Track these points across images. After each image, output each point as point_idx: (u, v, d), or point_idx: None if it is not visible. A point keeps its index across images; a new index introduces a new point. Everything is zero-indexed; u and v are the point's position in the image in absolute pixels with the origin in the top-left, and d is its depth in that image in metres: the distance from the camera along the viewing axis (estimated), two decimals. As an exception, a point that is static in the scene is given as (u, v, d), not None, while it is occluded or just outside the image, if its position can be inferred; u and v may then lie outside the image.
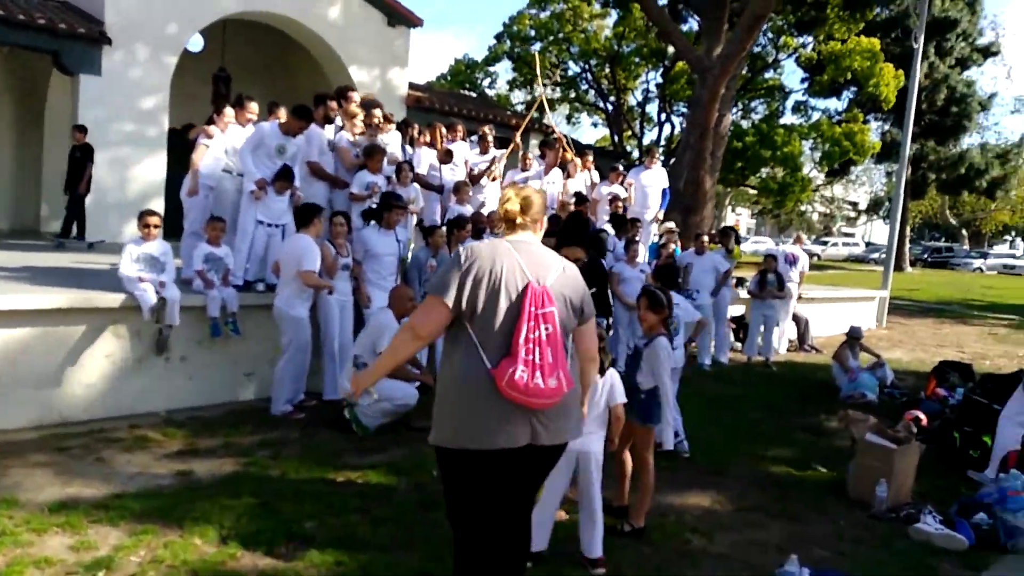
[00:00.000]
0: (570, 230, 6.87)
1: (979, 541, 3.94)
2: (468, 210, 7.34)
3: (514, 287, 2.38)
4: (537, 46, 25.22)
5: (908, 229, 34.31)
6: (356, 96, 6.95)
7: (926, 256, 38.34)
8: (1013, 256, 38.62)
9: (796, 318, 10.32)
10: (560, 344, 2.39)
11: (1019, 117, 61.88)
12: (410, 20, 13.59)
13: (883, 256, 30.92)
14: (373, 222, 6.09)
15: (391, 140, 7.10)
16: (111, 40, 10.03)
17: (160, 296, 5.00)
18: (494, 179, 8.11)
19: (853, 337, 8.16)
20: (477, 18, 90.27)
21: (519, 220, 2.55)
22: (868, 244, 45.39)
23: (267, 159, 5.92)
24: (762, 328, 8.99)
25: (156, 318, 5.02)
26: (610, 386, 3.40)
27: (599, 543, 3.38)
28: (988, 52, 29.06)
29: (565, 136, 10.37)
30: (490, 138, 8.31)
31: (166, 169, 10.50)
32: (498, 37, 25.55)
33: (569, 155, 9.40)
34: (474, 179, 7.91)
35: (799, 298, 10.36)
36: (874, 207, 43.05)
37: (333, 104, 6.83)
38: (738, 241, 9.63)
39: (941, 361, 7.95)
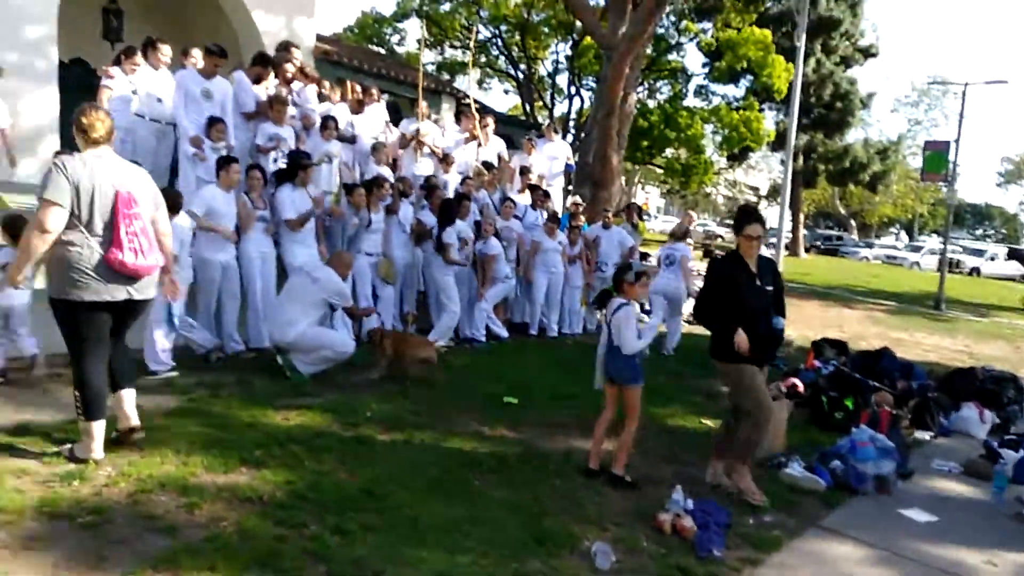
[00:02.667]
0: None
1: (835, 484, 4.92)
2: (386, 170, 7.86)
3: (108, 194, 3.53)
4: (446, 6, 25.48)
5: (803, 217, 37.37)
6: (298, 53, 7.33)
7: (819, 243, 41.83)
8: (895, 247, 42.81)
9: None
10: (148, 232, 3.66)
11: (897, 116, 67.70)
12: (316, -36, 13.62)
13: (784, 242, 33.68)
14: (288, 183, 6.49)
15: (310, 95, 7.50)
16: (-11, -36, 9.62)
17: None
18: (419, 145, 8.66)
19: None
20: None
21: (98, 136, 3.59)
22: (768, 229, 48.78)
23: (195, 106, 6.22)
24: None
25: None
26: None
27: None
28: (868, 53, 32.05)
29: (476, 101, 10.94)
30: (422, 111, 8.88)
31: (59, 104, 10.24)
32: (407, -9, 25.57)
33: (477, 122, 9.86)
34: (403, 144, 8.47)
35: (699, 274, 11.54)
36: (773, 193, 46.35)
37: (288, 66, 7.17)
38: (641, 217, 10.60)
39: (821, 338, 9.29)
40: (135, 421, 3.93)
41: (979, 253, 35.08)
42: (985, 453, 5.53)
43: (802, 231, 36.04)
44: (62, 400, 4.45)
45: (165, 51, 6.89)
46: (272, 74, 7.21)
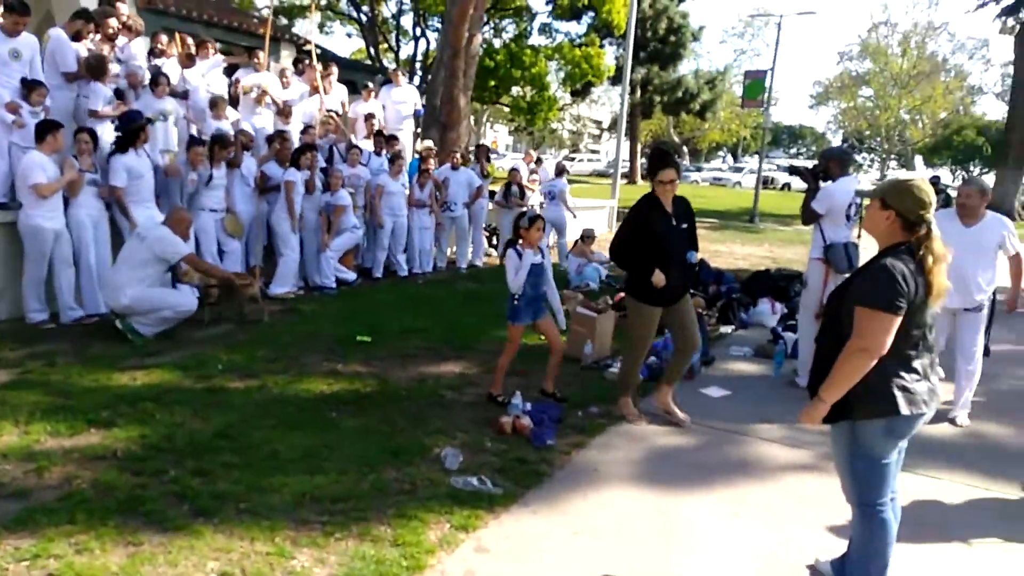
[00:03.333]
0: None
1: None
2: (227, 126, 7.58)
3: None
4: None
5: (639, 146, 39.12)
6: (123, 7, 6.80)
7: (655, 171, 44.13)
8: (720, 170, 46.01)
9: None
10: None
11: (726, 47, 71.92)
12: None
13: (624, 171, 35.32)
14: (127, 150, 6.17)
15: (137, 51, 7.04)
16: None
17: None
18: (259, 99, 8.37)
19: (587, 237, 10.00)
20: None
21: None
22: (609, 160, 50.72)
23: (3, 68, 5.71)
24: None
25: None
26: None
27: None
28: (699, -13, 33.70)
29: (317, 47, 10.63)
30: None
31: None
32: (235, -71, 23.68)
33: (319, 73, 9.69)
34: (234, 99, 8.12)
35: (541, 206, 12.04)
36: (614, 126, 48.05)
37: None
38: (488, 159, 10.88)
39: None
40: None
41: (791, 170, 38.50)
42: (771, 338, 6.41)
43: (640, 160, 37.83)
44: None
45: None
46: (93, 30, 6.66)
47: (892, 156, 52.29)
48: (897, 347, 2.45)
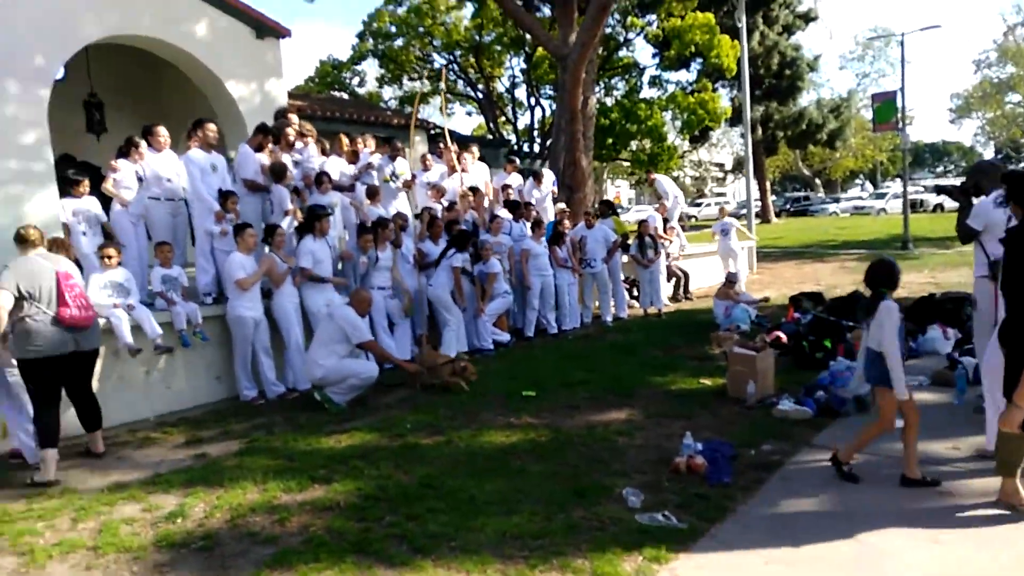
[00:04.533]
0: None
1: (820, 411, 5.55)
2: (383, 211, 8.46)
3: (47, 276, 4.79)
4: (400, 41, 26.16)
5: (768, 184, 38.19)
6: (294, 118, 7.94)
7: (788, 207, 42.69)
8: (860, 198, 43.77)
9: (677, 272, 12.17)
10: (82, 293, 4.98)
11: (846, 72, 69.28)
12: (278, 31, 14.22)
13: (756, 210, 34.42)
14: (309, 234, 7.08)
15: (312, 153, 8.13)
16: (-21, 80, 10.17)
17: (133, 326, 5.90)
18: (408, 185, 9.29)
19: (729, 282, 10.07)
20: (329, 14, 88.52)
21: (35, 240, 4.91)
22: (739, 202, 49.68)
23: (206, 179, 6.85)
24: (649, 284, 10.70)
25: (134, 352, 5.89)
26: None
27: None
28: (808, 18, 33.09)
29: (451, 132, 11.59)
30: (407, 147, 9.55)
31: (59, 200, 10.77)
32: (360, 36, 26.25)
33: (455, 155, 10.50)
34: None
35: (677, 255, 12.23)
36: (738, 166, 47.26)
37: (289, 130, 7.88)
38: (615, 213, 11.26)
39: (798, 293, 9.92)
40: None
41: (941, 190, 36.03)
42: (948, 364, 6.16)
43: (770, 197, 36.88)
44: (140, 462, 5.05)
45: (163, 134, 7.46)
46: (271, 141, 7.77)
47: (1057, 161, 47.72)
48: None
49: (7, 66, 10.64)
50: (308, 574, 3.38)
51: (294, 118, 8.28)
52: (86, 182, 7.09)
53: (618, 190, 50.82)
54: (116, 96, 12.71)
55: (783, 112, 32.74)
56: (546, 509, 3.96)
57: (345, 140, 8.93)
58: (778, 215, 37.69)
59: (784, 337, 7.92)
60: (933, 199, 34.09)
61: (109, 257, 6.06)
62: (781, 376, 6.38)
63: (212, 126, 7.22)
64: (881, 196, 38.99)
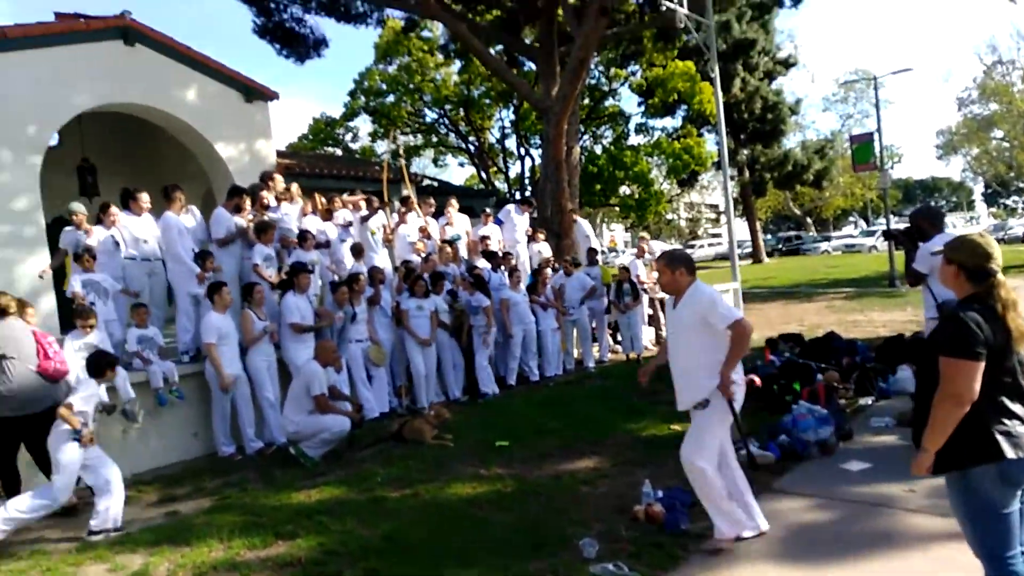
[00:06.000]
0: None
1: (784, 455, 5.62)
2: (362, 267, 8.63)
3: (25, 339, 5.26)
4: (391, 98, 26.79)
5: (759, 224, 38.61)
6: (279, 178, 8.20)
7: (780, 246, 43.06)
8: (852, 236, 44.18)
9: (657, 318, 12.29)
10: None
11: (830, 114, 71.04)
12: (266, 95, 14.64)
13: (747, 251, 34.86)
14: (290, 291, 7.24)
15: (292, 211, 8.36)
16: (-29, 150, 10.48)
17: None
18: (388, 240, 9.49)
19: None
20: (320, 75, 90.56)
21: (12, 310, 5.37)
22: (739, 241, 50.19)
23: (183, 241, 7.09)
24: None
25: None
26: None
27: None
28: (787, 64, 34.06)
29: (434, 180, 11.87)
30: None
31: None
32: (351, 94, 26.89)
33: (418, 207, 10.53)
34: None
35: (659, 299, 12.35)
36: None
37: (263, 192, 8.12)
38: (594, 262, 11.39)
39: (778, 335, 10.02)
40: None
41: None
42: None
43: (762, 237, 37.24)
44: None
45: (144, 199, 7.67)
46: (248, 202, 7.99)
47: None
48: (989, 393, 2.61)
49: (1, 135, 11.02)
50: (262, 632, 3.43)
51: (279, 179, 8.50)
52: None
53: (612, 234, 51.33)
54: (109, 160, 13.05)
55: (768, 154, 33.36)
56: (503, 561, 4.01)
57: (321, 199, 9.16)
58: (770, 255, 38.02)
59: (758, 380, 7.98)
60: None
61: (87, 327, 6.12)
62: (750, 419, 6.44)
63: (180, 193, 7.49)
64: (871, 234, 39.34)
